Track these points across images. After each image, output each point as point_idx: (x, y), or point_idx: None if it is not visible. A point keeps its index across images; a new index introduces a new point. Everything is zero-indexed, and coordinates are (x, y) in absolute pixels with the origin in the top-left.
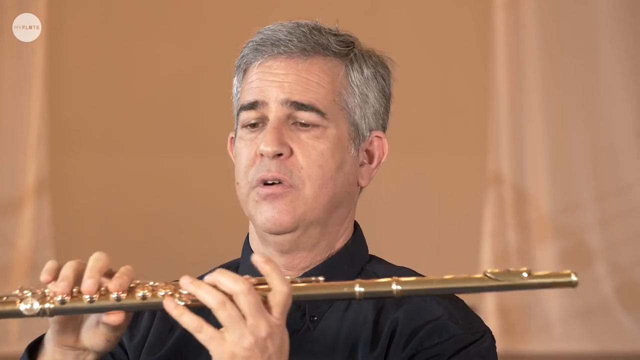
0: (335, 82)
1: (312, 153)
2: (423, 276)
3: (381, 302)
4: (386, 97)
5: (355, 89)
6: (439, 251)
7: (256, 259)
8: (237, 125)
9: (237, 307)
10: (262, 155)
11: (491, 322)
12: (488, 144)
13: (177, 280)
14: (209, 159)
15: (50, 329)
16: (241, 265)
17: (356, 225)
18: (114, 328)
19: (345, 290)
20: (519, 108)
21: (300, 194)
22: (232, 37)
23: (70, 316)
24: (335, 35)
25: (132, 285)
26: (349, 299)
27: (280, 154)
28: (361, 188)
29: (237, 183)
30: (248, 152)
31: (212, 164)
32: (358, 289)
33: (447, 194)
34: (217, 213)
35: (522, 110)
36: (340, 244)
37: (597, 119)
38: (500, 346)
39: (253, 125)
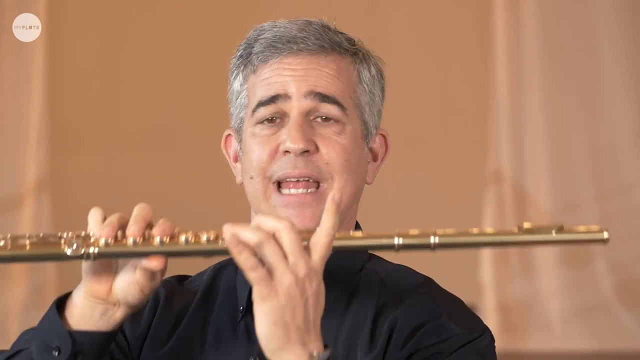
0: (351, 80)
1: (337, 148)
2: (423, 277)
3: (382, 301)
4: (384, 95)
5: (366, 87)
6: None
7: None
8: (240, 123)
9: (280, 245)
10: (286, 152)
11: (491, 320)
12: (488, 144)
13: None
14: (209, 158)
15: (83, 280)
16: None
17: (357, 223)
18: (151, 277)
19: (385, 241)
20: (519, 107)
21: (329, 190)
22: (232, 37)
23: (105, 266)
24: (341, 33)
25: (174, 232)
26: (388, 250)
27: (306, 151)
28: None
29: (251, 177)
30: (265, 148)
31: (212, 163)
32: (397, 240)
33: (447, 193)
34: (217, 213)
35: (522, 110)
36: None
37: (597, 118)
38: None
39: (270, 121)
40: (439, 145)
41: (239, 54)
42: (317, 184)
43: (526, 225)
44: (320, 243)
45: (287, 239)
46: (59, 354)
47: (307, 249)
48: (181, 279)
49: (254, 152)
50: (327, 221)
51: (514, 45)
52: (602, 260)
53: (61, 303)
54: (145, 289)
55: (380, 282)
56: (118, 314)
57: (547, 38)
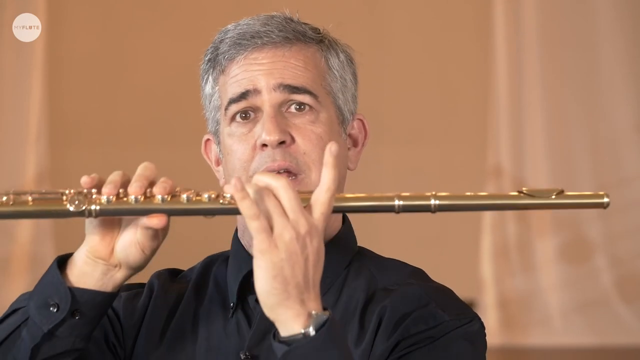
0: (319, 67)
1: (312, 137)
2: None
3: (372, 289)
4: (357, 80)
5: (336, 72)
6: (438, 244)
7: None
8: (216, 125)
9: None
10: (263, 146)
11: (491, 315)
12: (488, 138)
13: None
14: None
15: (85, 240)
16: (231, 258)
17: (344, 216)
18: (153, 236)
19: (385, 202)
20: (518, 101)
21: (307, 180)
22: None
23: (108, 226)
24: (305, 24)
25: (176, 190)
26: (388, 211)
27: (283, 142)
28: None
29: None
30: (244, 146)
31: None
32: (397, 202)
33: (446, 187)
34: None
35: (522, 104)
36: (331, 232)
37: (597, 112)
38: (500, 339)
39: (244, 117)
40: (439, 139)
41: (206, 58)
42: (295, 176)
43: (526, 189)
44: (321, 200)
45: (286, 197)
46: (57, 310)
47: (308, 209)
48: (174, 272)
49: (234, 152)
50: (327, 175)
51: (514, 40)
52: (602, 255)
53: (62, 262)
54: (147, 249)
55: (370, 275)
56: (119, 275)
57: (547, 33)
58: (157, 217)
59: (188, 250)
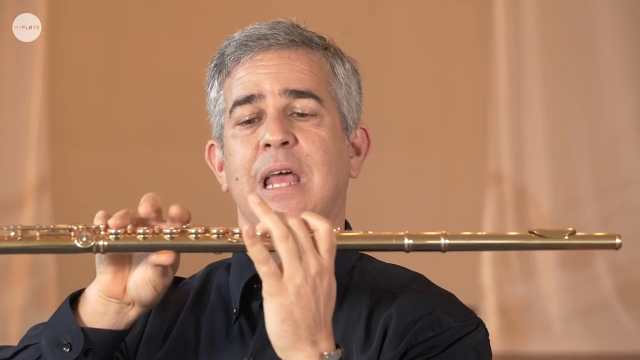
0: (324, 72)
1: (315, 140)
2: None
3: (375, 297)
4: (361, 91)
5: (341, 80)
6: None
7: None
8: (220, 129)
9: (296, 243)
10: (267, 146)
11: (492, 321)
12: (488, 142)
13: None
14: None
15: (97, 278)
16: (233, 265)
17: (346, 222)
18: (162, 274)
19: (394, 241)
20: (519, 105)
21: (309, 185)
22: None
23: (119, 265)
24: (311, 32)
25: (184, 227)
26: (398, 250)
27: (286, 142)
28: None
29: (237, 179)
30: (247, 147)
31: None
32: (407, 241)
33: (447, 192)
34: (218, 210)
35: (522, 108)
36: None
37: (598, 115)
38: (500, 346)
39: (248, 122)
40: (439, 143)
41: (213, 64)
42: (297, 177)
43: (537, 230)
44: (322, 241)
45: (301, 236)
46: (69, 350)
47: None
48: (175, 280)
49: (237, 153)
50: (313, 218)
51: (514, 42)
52: (602, 262)
53: (73, 300)
54: (158, 287)
55: (372, 281)
56: (132, 313)
57: (547, 35)
58: (165, 254)
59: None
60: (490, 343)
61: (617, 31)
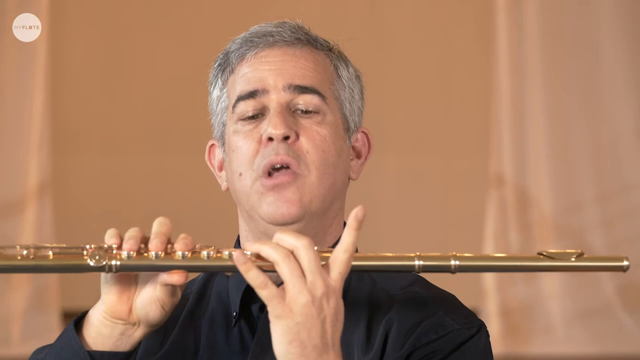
0: (328, 72)
1: (316, 138)
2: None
3: (375, 299)
4: (363, 97)
5: (345, 82)
6: (440, 251)
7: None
8: (222, 127)
9: (298, 263)
10: (269, 140)
11: (493, 323)
12: (490, 145)
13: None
14: None
15: (101, 300)
16: None
17: (345, 223)
18: (172, 292)
19: (405, 263)
20: (520, 108)
21: (306, 180)
22: (234, 37)
23: (126, 285)
24: (315, 35)
25: (195, 247)
26: (408, 271)
27: (287, 137)
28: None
29: (240, 174)
30: (250, 142)
31: None
32: (417, 262)
33: (449, 196)
34: (219, 213)
35: (524, 111)
36: (331, 240)
37: (599, 119)
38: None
39: (251, 118)
40: (440, 146)
41: (216, 64)
42: (294, 173)
43: (545, 251)
44: (339, 259)
45: (306, 257)
46: None
47: (325, 268)
48: None
49: (240, 148)
50: (348, 237)
51: (516, 47)
52: None
53: (76, 322)
54: (167, 306)
55: (372, 282)
56: (137, 334)
57: (549, 38)
58: (177, 274)
59: None
60: (493, 345)
61: (618, 35)
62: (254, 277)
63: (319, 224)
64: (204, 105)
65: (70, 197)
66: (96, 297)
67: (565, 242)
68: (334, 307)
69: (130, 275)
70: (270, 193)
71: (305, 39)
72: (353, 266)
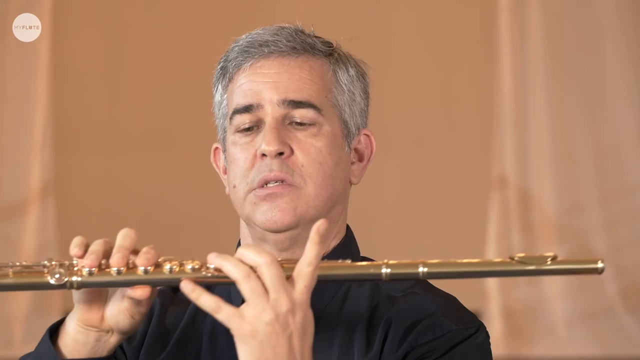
0: (326, 80)
1: (311, 151)
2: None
3: (375, 300)
4: (367, 96)
5: (344, 87)
6: (442, 253)
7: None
8: (224, 133)
9: (261, 281)
10: (263, 155)
11: (496, 325)
12: (492, 147)
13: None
14: None
15: (75, 309)
16: None
17: (347, 226)
18: (138, 303)
19: (372, 271)
20: (523, 110)
21: (302, 192)
22: (236, 37)
23: (96, 295)
24: (316, 37)
25: (159, 260)
26: (376, 280)
27: (281, 153)
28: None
29: (234, 186)
30: (246, 155)
31: None
32: (385, 270)
33: (451, 196)
34: (221, 215)
35: (526, 113)
36: (333, 243)
37: (602, 120)
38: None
39: (247, 130)
40: (442, 147)
41: (219, 66)
42: (290, 186)
43: (519, 255)
44: (304, 272)
45: (268, 274)
46: None
47: (290, 282)
48: (175, 288)
49: (236, 160)
50: (310, 250)
51: (519, 48)
52: (607, 265)
53: (54, 331)
54: (135, 315)
55: (373, 283)
56: (112, 340)
57: (552, 39)
58: (140, 289)
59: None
60: (495, 347)
61: (621, 37)
62: (205, 303)
63: None
64: (206, 107)
65: (72, 198)
66: None
67: (567, 243)
68: (300, 321)
69: None
70: (263, 202)
71: (301, 47)
72: (320, 276)
